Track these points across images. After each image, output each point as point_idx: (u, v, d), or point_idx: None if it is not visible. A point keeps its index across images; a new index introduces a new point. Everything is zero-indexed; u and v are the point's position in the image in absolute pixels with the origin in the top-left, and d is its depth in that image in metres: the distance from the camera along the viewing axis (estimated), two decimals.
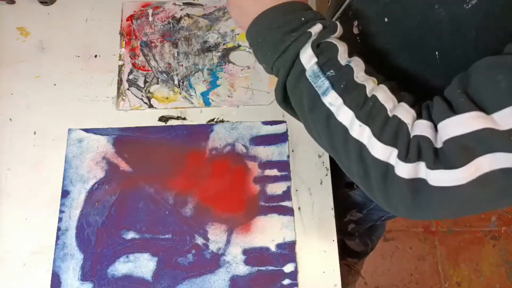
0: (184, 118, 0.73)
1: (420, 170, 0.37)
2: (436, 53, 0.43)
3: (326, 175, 0.70)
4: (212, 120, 0.73)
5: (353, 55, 0.45)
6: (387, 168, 0.39)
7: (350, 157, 0.42)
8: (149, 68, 0.76)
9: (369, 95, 0.41)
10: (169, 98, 0.75)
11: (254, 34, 0.48)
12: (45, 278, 0.64)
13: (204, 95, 0.75)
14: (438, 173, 0.36)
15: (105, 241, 0.66)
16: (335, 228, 0.67)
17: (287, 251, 0.66)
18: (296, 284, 0.64)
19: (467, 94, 0.36)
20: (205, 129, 0.72)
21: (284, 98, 0.49)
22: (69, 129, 0.72)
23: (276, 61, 0.46)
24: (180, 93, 0.75)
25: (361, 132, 0.40)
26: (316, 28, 0.44)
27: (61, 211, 0.67)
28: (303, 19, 0.45)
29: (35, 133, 0.72)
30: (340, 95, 0.42)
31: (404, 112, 0.40)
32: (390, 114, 0.40)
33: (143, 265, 0.65)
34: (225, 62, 0.77)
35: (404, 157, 0.38)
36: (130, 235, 0.66)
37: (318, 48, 0.43)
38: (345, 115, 0.41)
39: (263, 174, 0.70)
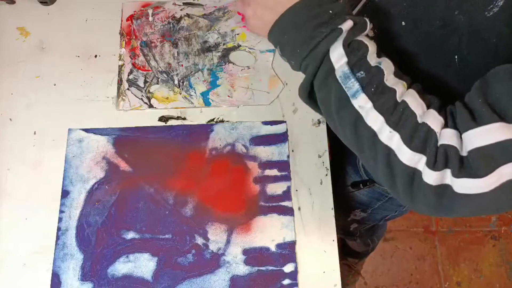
0: (184, 118, 0.73)
1: (446, 177, 0.38)
2: (456, 56, 0.42)
3: (326, 175, 0.70)
4: (212, 120, 0.73)
5: (382, 55, 0.44)
6: (414, 173, 0.40)
7: (377, 159, 0.42)
8: (149, 68, 0.76)
9: (399, 100, 0.41)
10: (169, 98, 0.75)
11: (280, 32, 0.47)
12: (45, 278, 0.64)
13: (204, 95, 0.75)
14: (462, 181, 0.37)
15: (105, 241, 0.66)
16: (335, 228, 0.67)
17: (287, 251, 0.66)
18: (296, 284, 0.64)
19: (489, 104, 0.37)
20: (205, 129, 0.72)
21: (310, 94, 0.48)
22: (69, 129, 0.72)
23: (306, 58, 0.45)
24: (180, 93, 0.75)
25: (390, 137, 0.41)
26: (347, 25, 0.43)
27: (61, 211, 0.67)
28: (331, 11, 0.44)
29: (35, 133, 0.72)
30: (370, 98, 0.42)
31: (433, 119, 0.40)
32: (419, 121, 0.40)
33: (143, 265, 0.65)
34: (225, 62, 0.77)
35: (432, 165, 0.38)
36: (130, 235, 0.66)
37: (349, 47, 0.43)
38: (374, 119, 0.42)
39: (263, 174, 0.70)
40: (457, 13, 0.39)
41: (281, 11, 0.46)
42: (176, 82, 0.76)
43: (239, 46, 0.78)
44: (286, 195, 0.69)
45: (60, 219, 0.67)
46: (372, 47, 0.44)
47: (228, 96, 0.75)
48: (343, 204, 0.90)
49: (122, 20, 0.80)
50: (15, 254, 0.66)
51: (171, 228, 0.67)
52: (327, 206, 0.68)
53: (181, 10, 0.81)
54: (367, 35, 0.46)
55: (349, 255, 1.39)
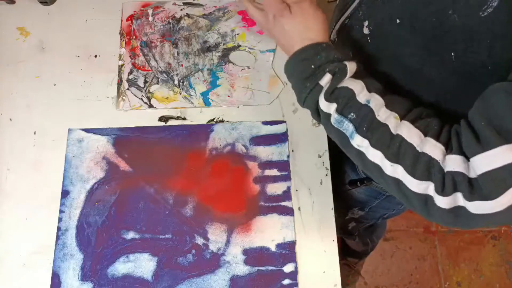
0: (184, 118, 0.73)
1: (458, 199, 0.40)
2: (452, 54, 0.43)
3: (326, 175, 0.70)
4: (212, 120, 0.73)
5: (372, 90, 0.47)
6: (427, 198, 0.42)
7: (389, 188, 0.45)
8: (149, 68, 0.76)
9: (394, 133, 0.44)
10: (169, 98, 0.75)
11: (287, 75, 0.55)
12: (45, 278, 0.64)
13: (204, 95, 0.75)
14: (476, 204, 0.39)
15: (105, 241, 0.66)
16: (335, 228, 0.67)
17: (287, 251, 0.66)
18: (296, 284, 0.64)
19: (493, 125, 0.38)
20: (205, 129, 0.72)
21: (318, 116, 0.53)
22: (69, 129, 0.72)
23: (303, 105, 0.52)
24: (180, 93, 0.75)
25: (394, 170, 0.43)
26: (325, 80, 0.48)
27: (61, 211, 0.67)
28: (313, 66, 0.49)
29: (35, 133, 0.72)
30: (365, 137, 0.45)
31: (433, 148, 0.42)
32: (419, 150, 0.42)
33: (143, 265, 0.65)
34: (225, 62, 0.77)
35: (441, 191, 0.40)
36: (130, 235, 0.66)
37: (332, 96, 0.47)
38: (374, 155, 0.44)
39: (263, 174, 0.70)
40: (451, 12, 0.39)
41: (287, 52, 0.55)
42: (176, 82, 0.76)
43: (239, 46, 0.78)
44: (286, 195, 0.69)
45: (60, 219, 0.67)
46: (357, 86, 0.47)
47: (228, 96, 0.75)
48: (341, 203, 0.90)
49: (122, 20, 0.80)
50: (15, 254, 0.66)
51: (171, 228, 0.67)
52: (327, 206, 0.68)
53: (181, 10, 0.81)
54: (355, 74, 0.49)
55: (349, 255, 1.39)
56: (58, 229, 0.67)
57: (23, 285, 0.64)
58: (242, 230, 0.67)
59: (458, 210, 0.40)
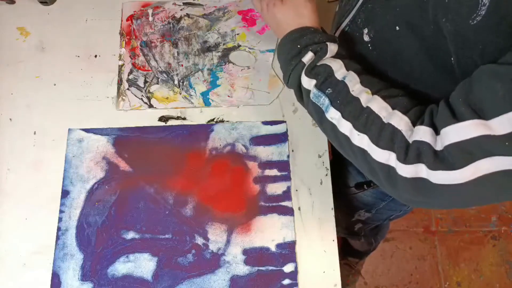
0: (184, 118, 0.73)
1: (421, 170, 0.41)
2: (452, 59, 0.43)
3: (326, 175, 0.70)
4: (212, 120, 0.73)
5: (350, 68, 0.51)
6: (389, 168, 0.44)
7: (357, 159, 0.48)
8: (149, 68, 0.76)
9: (364, 106, 0.47)
10: (169, 98, 0.75)
11: (278, 58, 0.59)
12: (45, 278, 0.64)
13: (204, 95, 0.75)
14: (439, 173, 0.40)
15: (105, 241, 0.66)
16: (335, 228, 0.67)
17: (287, 251, 0.66)
18: (296, 284, 0.64)
19: (469, 101, 0.38)
20: (205, 129, 0.72)
21: (301, 96, 0.56)
22: (69, 129, 0.72)
23: (287, 84, 0.56)
24: (180, 93, 0.75)
25: (360, 139, 0.46)
26: (308, 57, 0.52)
27: (61, 211, 0.67)
28: (298, 46, 0.53)
29: (35, 133, 0.72)
30: (338, 109, 0.48)
31: (399, 120, 0.44)
32: (385, 121, 0.45)
33: (143, 265, 0.65)
34: (225, 62, 0.77)
35: (403, 159, 0.42)
36: (130, 235, 0.66)
37: (312, 72, 0.51)
38: (345, 126, 0.48)
39: (263, 174, 0.70)
40: (444, 20, 0.40)
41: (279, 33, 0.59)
42: (176, 82, 0.76)
43: (239, 46, 0.78)
44: (286, 195, 0.69)
45: (60, 219, 0.67)
46: (336, 64, 0.50)
47: (228, 96, 0.75)
48: (347, 204, 0.90)
49: (122, 20, 0.80)
50: (15, 254, 0.66)
51: (171, 228, 0.67)
52: (327, 206, 0.68)
53: (181, 10, 0.81)
54: (337, 54, 0.53)
55: (350, 255, 1.39)
56: (58, 229, 0.67)
57: (23, 285, 0.64)
58: (242, 230, 0.67)
59: (420, 181, 0.41)
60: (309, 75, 0.51)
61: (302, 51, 0.53)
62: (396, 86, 0.53)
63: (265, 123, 0.73)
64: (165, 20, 0.80)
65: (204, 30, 0.79)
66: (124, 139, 0.72)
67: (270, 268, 0.65)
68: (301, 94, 0.54)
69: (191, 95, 0.75)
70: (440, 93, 0.49)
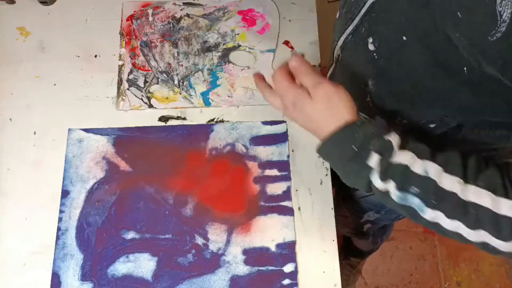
0: (184, 118, 0.73)
1: None
2: (465, 69, 0.42)
3: (326, 175, 0.70)
4: (212, 120, 0.73)
5: (423, 157, 0.45)
6: None
7: (477, 247, 0.45)
8: (149, 68, 0.76)
9: (465, 200, 0.43)
10: (169, 98, 0.75)
11: (323, 157, 0.52)
12: (45, 278, 0.64)
13: (204, 95, 0.75)
14: None
15: (105, 241, 0.66)
16: (335, 228, 0.67)
17: (287, 251, 0.66)
18: (296, 284, 0.64)
19: None
20: (205, 129, 0.72)
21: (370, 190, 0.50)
22: (69, 129, 0.72)
23: (348, 183, 0.49)
24: (180, 93, 0.75)
25: (477, 235, 0.43)
26: (374, 160, 0.45)
27: (61, 211, 0.67)
28: (353, 147, 0.46)
29: (35, 133, 0.72)
30: (437, 209, 0.44)
31: (508, 207, 0.42)
32: (497, 212, 0.42)
33: (143, 265, 0.65)
34: (225, 62, 0.77)
35: None
36: (130, 235, 0.66)
37: (387, 175, 0.45)
38: (452, 225, 0.44)
39: (263, 174, 0.70)
40: (458, 35, 0.39)
41: (317, 136, 0.51)
42: (176, 82, 0.76)
43: (239, 46, 0.78)
44: (286, 195, 0.69)
45: (60, 219, 0.67)
46: (408, 158, 0.45)
47: (228, 96, 0.75)
48: (356, 206, 0.90)
49: (122, 20, 0.80)
50: (15, 254, 0.66)
51: (171, 228, 0.67)
52: (327, 206, 0.68)
53: (181, 10, 0.81)
54: (401, 145, 0.47)
55: (353, 255, 1.39)
56: (58, 229, 0.67)
57: (23, 285, 0.64)
58: (242, 230, 0.67)
59: None
60: (383, 178, 0.45)
61: (361, 152, 0.46)
62: (405, 95, 0.51)
63: (265, 123, 0.73)
64: (165, 20, 0.80)
65: (204, 30, 0.79)
66: (124, 139, 0.72)
67: (270, 268, 0.65)
68: (372, 190, 0.48)
69: (191, 95, 0.75)
70: (449, 102, 0.49)
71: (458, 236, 0.44)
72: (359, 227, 1.04)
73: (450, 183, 0.44)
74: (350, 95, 0.49)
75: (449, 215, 0.43)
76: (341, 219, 1.03)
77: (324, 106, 0.48)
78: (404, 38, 0.45)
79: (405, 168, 0.44)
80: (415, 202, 0.45)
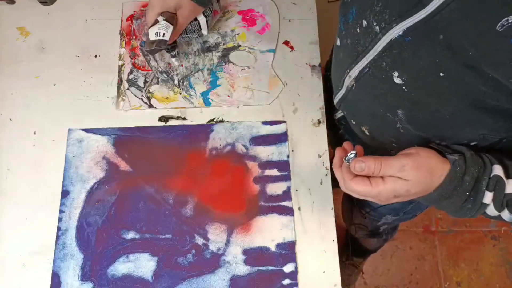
0: (184, 118, 0.73)
1: None
2: (497, 99, 0.42)
3: (326, 175, 0.70)
4: (212, 120, 0.73)
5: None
6: None
7: None
8: (149, 68, 0.76)
9: None
10: (169, 98, 0.75)
11: (432, 204, 0.53)
12: (45, 278, 0.64)
13: (204, 95, 0.75)
14: None
15: (105, 241, 0.66)
16: (335, 228, 0.67)
17: (287, 251, 0.66)
18: (296, 284, 0.64)
19: None
20: (205, 129, 0.72)
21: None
22: (69, 129, 0.72)
23: (463, 217, 0.51)
24: (180, 93, 0.75)
25: None
26: (488, 197, 0.47)
27: (61, 211, 0.67)
28: (467, 193, 0.47)
29: (35, 133, 0.72)
30: None
31: None
32: None
33: (143, 265, 0.65)
34: (225, 62, 0.77)
35: None
36: (130, 235, 0.66)
37: (502, 205, 0.47)
38: None
39: (263, 174, 0.70)
40: (491, 75, 0.39)
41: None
42: (176, 82, 0.76)
43: (239, 46, 0.78)
44: (286, 195, 0.69)
45: (60, 219, 0.67)
46: (509, 184, 0.47)
47: (228, 96, 0.75)
48: (374, 212, 0.90)
49: (122, 20, 0.80)
50: (15, 254, 0.66)
51: (171, 228, 0.67)
52: (327, 206, 0.68)
53: None
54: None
55: (357, 255, 1.39)
56: (58, 229, 0.67)
57: (23, 285, 0.64)
58: (242, 230, 0.67)
59: None
60: (499, 209, 0.48)
61: (473, 194, 0.47)
62: (441, 122, 0.52)
63: (265, 123, 0.73)
64: None
65: None
66: (124, 139, 0.72)
67: (270, 268, 0.65)
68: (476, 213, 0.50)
69: (191, 95, 0.75)
70: (492, 124, 0.49)
71: None
72: (376, 229, 1.04)
73: None
74: (427, 150, 0.49)
75: None
76: (357, 225, 1.03)
77: (422, 176, 0.47)
78: (442, 74, 0.44)
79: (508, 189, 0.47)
80: None
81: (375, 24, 0.47)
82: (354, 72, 0.55)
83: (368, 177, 0.49)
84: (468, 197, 0.47)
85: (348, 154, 0.51)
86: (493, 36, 0.36)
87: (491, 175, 0.47)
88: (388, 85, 0.51)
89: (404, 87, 0.50)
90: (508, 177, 0.47)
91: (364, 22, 0.49)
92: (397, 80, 0.49)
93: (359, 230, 1.07)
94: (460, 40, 0.39)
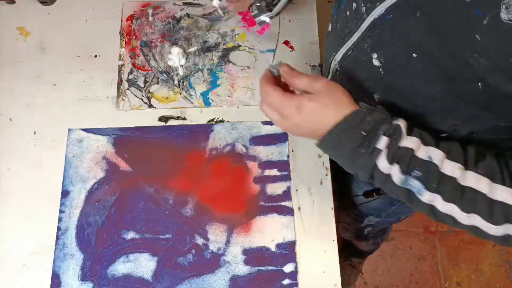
0: (184, 118, 0.73)
1: None
2: (479, 84, 0.42)
3: (326, 175, 0.70)
4: (212, 120, 0.73)
5: (428, 143, 0.47)
6: (508, 237, 0.44)
7: (465, 229, 0.46)
8: (149, 68, 0.76)
9: (463, 185, 0.44)
10: (169, 98, 0.75)
11: (324, 150, 0.51)
12: (45, 278, 0.64)
13: (204, 95, 0.75)
14: None
15: (105, 241, 0.66)
16: (335, 228, 0.67)
17: (287, 251, 0.66)
18: (296, 284, 0.64)
19: None
20: (205, 129, 0.72)
21: (370, 178, 0.50)
22: (69, 129, 0.72)
23: (356, 172, 0.49)
24: (180, 93, 0.75)
25: (470, 219, 0.45)
26: (383, 142, 0.46)
27: (61, 211, 0.67)
28: (363, 132, 0.47)
29: (35, 133, 0.72)
30: (436, 192, 0.45)
31: (504, 193, 0.43)
32: (491, 197, 0.43)
33: (143, 265, 0.65)
34: (225, 62, 0.77)
35: None
36: (130, 235, 0.66)
37: (394, 158, 0.46)
38: (448, 208, 0.45)
39: (263, 174, 0.70)
40: (476, 55, 0.39)
41: (317, 136, 0.50)
42: (176, 82, 0.76)
43: (239, 46, 0.78)
44: (286, 195, 0.69)
45: (60, 219, 0.67)
46: (415, 143, 0.46)
47: (228, 96, 0.75)
48: (356, 212, 0.90)
49: (122, 20, 0.80)
50: (15, 254, 0.66)
51: (171, 228, 0.67)
52: (327, 206, 0.68)
53: (181, 10, 0.81)
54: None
55: (354, 255, 1.39)
56: (58, 229, 0.67)
57: (23, 285, 0.64)
58: (242, 230, 0.67)
59: None
60: (390, 161, 0.46)
61: (370, 136, 0.46)
62: (414, 109, 0.52)
63: (265, 123, 0.73)
64: (165, 20, 0.80)
65: (204, 30, 0.79)
66: (124, 139, 0.72)
67: (270, 268, 0.65)
68: (372, 176, 0.49)
69: (191, 95, 0.75)
70: (462, 114, 0.49)
71: (450, 219, 0.46)
72: (360, 231, 1.04)
73: (451, 168, 0.45)
74: (345, 91, 0.50)
75: (446, 198, 0.45)
76: (342, 225, 1.03)
77: (327, 95, 0.48)
78: (415, 55, 0.45)
79: (411, 152, 0.46)
80: (415, 184, 0.46)
81: (362, 5, 0.49)
82: (339, 55, 0.57)
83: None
84: (364, 139, 0.47)
85: (274, 64, 0.54)
86: (463, 7, 0.36)
87: (392, 123, 0.47)
88: (367, 68, 0.52)
89: (381, 69, 0.51)
90: (409, 134, 0.47)
91: (354, 5, 0.51)
92: (376, 62, 0.51)
93: (345, 231, 1.07)
94: (434, 15, 0.40)
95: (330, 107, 0.48)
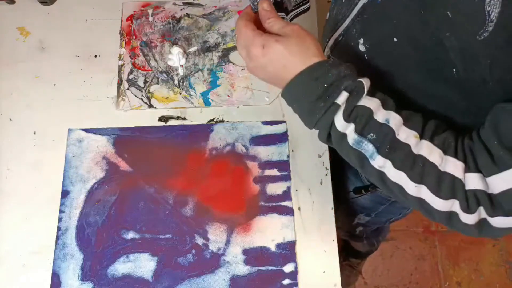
0: (184, 118, 0.73)
1: (482, 213, 0.41)
2: (454, 70, 0.42)
3: (326, 175, 0.70)
4: (212, 120, 0.73)
5: (389, 106, 0.46)
6: (451, 214, 0.43)
7: (412, 205, 0.45)
8: (149, 68, 0.76)
9: (416, 153, 0.43)
10: (169, 98, 0.75)
11: (287, 101, 0.50)
12: (45, 278, 0.64)
13: (204, 95, 0.75)
14: (498, 219, 0.41)
15: (105, 241, 0.66)
16: (335, 228, 0.67)
17: (287, 251, 0.66)
18: (296, 284, 0.64)
19: (506, 147, 0.38)
20: (205, 129, 0.72)
21: (328, 137, 0.50)
22: (69, 129, 0.72)
23: (314, 127, 0.48)
24: (180, 93, 0.75)
25: (418, 190, 0.44)
26: (342, 98, 0.45)
27: (61, 211, 0.67)
28: (325, 85, 0.45)
29: (35, 133, 0.72)
30: (387, 157, 0.44)
31: (454, 167, 0.42)
32: (441, 169, 0.43)
33: (143, 265, 0.65)
34: (225, 62, 0.77)
35: (466, 208, 0.42)
36: (130, 235, 0.66)
37: (351, 116, 0.45)
38: (397, 176, 0.44)
39: (263, 174, 0.70)
40: (448, 34, 0.39)
41: (281, 85, 0.49)
42: (176, 82, 0.76)
43: None
44: (286, 195, 0.69)
45: (60, 219, 0.67)
46: (374, 104, 0.45)
47: (228, 96, 0.75)
48: (348, 209, 0.90)
49: (122, 20, 0.80)
50: (15, 254, 0.66)
51: (171, 228, 0.67)
52: (327, 206, 0.68)
53: (181, 10, 0.81)
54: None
55: (352, 256, 1.39)
56: (58, 229, 0.67)
57: (23, 285, 0.64)
58: (242, 230, 0.67)
59: (482, 223, 0.42)
60: (347, 118, 0.45)
61: (331, 90, 0.45)
62: (396, 96, 0.52)
63: (265, 123, 0.73)
64: (165, 20, 0.80)
65: (204, 30, 0.79)
66: (124, 139, 0.72)
67: (270, 268, 0.65)
68: (329, 135, 0.48)
69: (191, 95, 0.75)
70: (442, 103, 0.49)
71: (398, 189, 0.45)
72: (352, 230, 1.04)
73: (406, 135, 0.44)
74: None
75: (397, 166, 0.44)
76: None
77: (295, 42, 0.47)
78: (395, 39, 0.46)
79: (369, 113, 0.45)
80: (368, 148, 0.45)
81: None
82: (331, 41, 0.58)
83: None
84: (325, 92, 0.45)
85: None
86: None
87: (356, 80, 0.46)
88: (354, 53, 0.53)
89: (365, 55, 0.51)
90: (370, 93, 0.46)
91: None
92: (362, 48, 0.51)
93: (337, 229, 1.08)
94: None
95: (296, 55, 0.47)
